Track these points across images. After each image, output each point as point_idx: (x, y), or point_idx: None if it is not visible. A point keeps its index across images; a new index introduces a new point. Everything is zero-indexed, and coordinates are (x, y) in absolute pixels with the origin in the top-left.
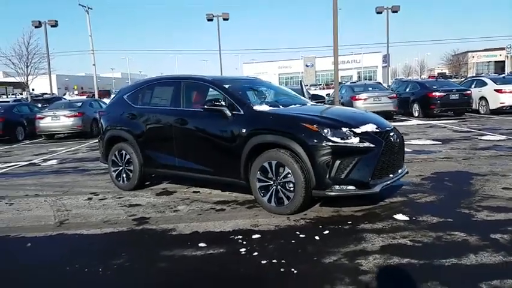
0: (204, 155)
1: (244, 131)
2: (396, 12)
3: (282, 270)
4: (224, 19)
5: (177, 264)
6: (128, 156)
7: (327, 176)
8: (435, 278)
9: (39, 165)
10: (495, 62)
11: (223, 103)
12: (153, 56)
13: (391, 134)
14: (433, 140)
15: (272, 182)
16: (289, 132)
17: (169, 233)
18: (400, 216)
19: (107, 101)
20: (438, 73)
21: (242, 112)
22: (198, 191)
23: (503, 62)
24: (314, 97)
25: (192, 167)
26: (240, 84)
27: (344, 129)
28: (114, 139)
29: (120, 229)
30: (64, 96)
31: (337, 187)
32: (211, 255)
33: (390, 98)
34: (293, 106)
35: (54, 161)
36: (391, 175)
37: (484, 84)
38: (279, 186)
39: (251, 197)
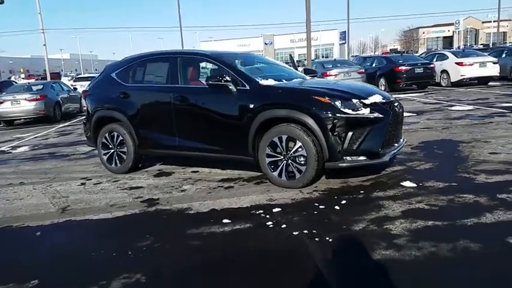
0: (208, 133)
1: (252, 106)
2: None
3: (316, 239)
4: None
5: (209, 241)
6: (120, 138)
7: (340, 148)
8: (464, 236)
9: (10, 152)
10: (443, 37)
11: (228, 78)
12: (105, 34)
13: (395, 104)
14: (407, 112)
15: (282, 157)
16: (300, 105)
17: (187, 212)
18: (407, 183)
19: None
20: (390, 49)
21: (248, 87)
22: (197, 171)
23: (451, 37)
24: (306, 71)
25: (194, 146)
26: (239, 59)
27: (354, 100)
28: (104, 120)
29: (132, 211)
30: (13, 80)
31: (348, 158)
32: (240, 230)
33: (359, 73)
34: (296, 80)
35: (25, 148)
36: (395, 144)
37: (445, 57)
38: (289, 161)
39: (255, 174)
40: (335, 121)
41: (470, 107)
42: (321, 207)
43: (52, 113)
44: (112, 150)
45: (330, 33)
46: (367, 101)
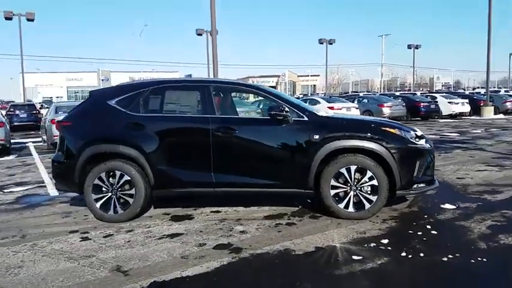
0: (261, 167)
1: (317, 137)
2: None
3: (472, 261)
4: (28, 19)
5: (377, 279)
6: (125, 178)
7: (411, 177)
8: None
9: None
10: (269, 86)
11: (287, 109)
12: None
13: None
14: None
15: (348, 188)
16: (372, 137)
17: (293, 254)
18: (447, 206)
19: None
20: None
21: (306, 118)
22: (218, 211)
23: (275, 87)
24: None
25: (239, 181)
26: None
27: (412, 132)
28: (101, 157)
29: (225, 261)
30: None
31: (415, 186)
32: (387, 265)
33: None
34: (334, 112)
35: None
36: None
37: (317, 102)
38: (357, 191)
39: (292, 208)
40: (406, 151)
41: None
42: (418, 233)
43: None
44: (109, 194)
45: (170, 75)
46: (418, 133)
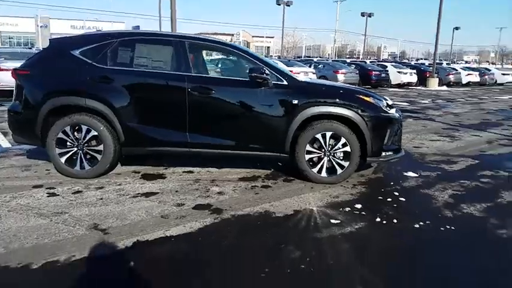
0: (238, 129)
1: (296, 102)
2: None
3: (442, 229)
4: None
5: (359, 243)
6: (92, 133)
7: (381, 144)
8: None
9: None
10: None
11: (267, 72)
12: None
13: None
14: None
15: (322, 153)
16: (349, 104)
17: (273, 216)
18: (410, 174)
19: None
20: None
21: (286, 82)
22: (191, 171)
23: None
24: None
25: (215, 142)
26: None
27: (384, 101)
28: (65, 110)
29: (207, 221)
30: None
31: (383, 154)
32: (363, 230)
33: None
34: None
35: None
36: None
37: None
38: (330, 157)
39: (266, 171)
40: (379, 119)
41: None
42: (388, 200)
43: None
44: (75, 149)
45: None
46: (389, 102)
